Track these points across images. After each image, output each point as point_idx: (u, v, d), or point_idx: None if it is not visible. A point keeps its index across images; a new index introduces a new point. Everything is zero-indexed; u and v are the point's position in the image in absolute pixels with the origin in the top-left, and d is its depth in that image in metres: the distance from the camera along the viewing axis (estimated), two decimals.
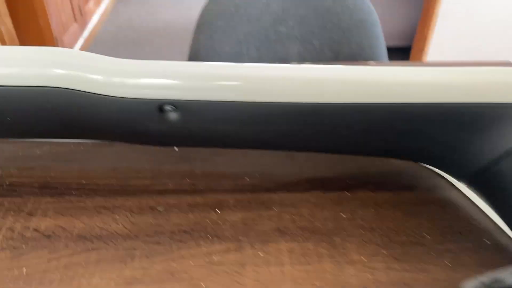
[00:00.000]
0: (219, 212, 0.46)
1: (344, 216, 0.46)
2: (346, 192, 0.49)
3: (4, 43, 1.54)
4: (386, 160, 0.53)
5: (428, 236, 0.44)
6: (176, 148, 0.55)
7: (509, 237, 0.44)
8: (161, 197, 0.48)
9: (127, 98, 0.38)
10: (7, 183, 0.50)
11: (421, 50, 1.97)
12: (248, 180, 0.50)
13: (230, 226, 0.45)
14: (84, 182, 0.50)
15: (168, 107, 0.38)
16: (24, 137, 0.51)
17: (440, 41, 1.94)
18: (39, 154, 0.54)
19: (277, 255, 0.42)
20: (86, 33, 2.42)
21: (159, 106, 0.38)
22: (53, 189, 0.49)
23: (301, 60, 0.95)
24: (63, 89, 0.38)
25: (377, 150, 0.48)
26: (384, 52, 0.96)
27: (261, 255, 0.42)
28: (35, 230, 0.44)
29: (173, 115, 0.39)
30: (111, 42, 2.50)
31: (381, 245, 0.43)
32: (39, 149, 0.55)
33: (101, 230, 0.44)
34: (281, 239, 0.44)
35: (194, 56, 0.91)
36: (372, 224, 0.45)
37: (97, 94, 0.38)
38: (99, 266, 0.41)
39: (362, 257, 0.41)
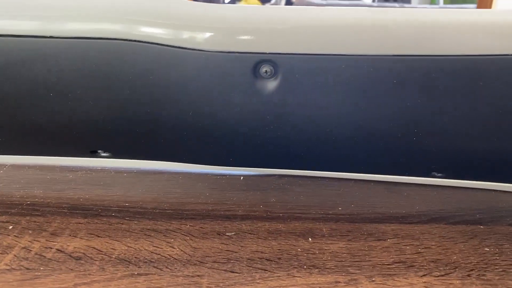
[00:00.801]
0: (311, 240, 0.34)
1: (487, 249, 0.33)
2: (479, 226, 0.36)
3: None
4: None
5: None
6: (241, 177, 0.44)
7: None
8: (229, 222, 0.36)
9: (214, 51, 0.29)
10: (28, 202, 0.38)
11: None
12: (341, 209, 0.38)
13: (332, 257, 0.32)
14: (127, 205, 0.38)
15: (265, 69, 0.29)
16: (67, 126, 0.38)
17: None
18: (71, 178, 0.43)
19: None
20: None
21: (255, 66, 0.29)
22: (86, 210, 0.37)
23: None
24: (127, 41, 0.30)
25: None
26: None
27: None
28: (59, 251, 0.32)
29: (269, 83, 0.29)
30: None
31: None
32: (72, 174, 0.44)
33: (151, 254, 0.31)
34: (411, 273, 0.30)
35: None
36: None
37: (176, 47, 0.29)
38: None
39: None
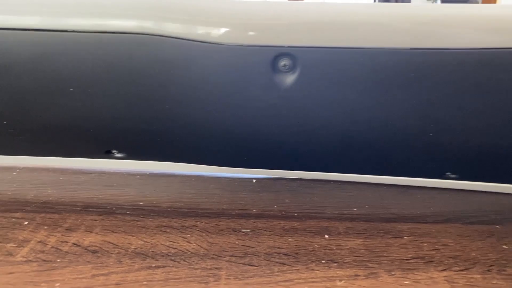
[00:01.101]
0: (328, 237, 0.33)
1: (506, 247, 0.33)
2: (496, 226, 0.36)
3: None
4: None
5: None
6: (253, 180, 0.44)
7: None
8: (245, 220, 0.36)
9: (233, 45, 0.29)
10: (42, 201, 0.38)
11: None
12: (356, 210, 0.38)
13: (350, 253, 0.31)
14: (141, 204, 0.38)
15: (283, 62, 0.29)
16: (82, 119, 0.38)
17: None
18: (84, 179, 0.43)
19: (430, 284, 0.28)
20: None
21: (274, 59, 0.29)
22: (101, 209, 0.37)
23: None
24: (147, 35, 0.30)
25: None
26: None
27: (408, 283, 0.28)
28: (76, 244, 0.31)
29: (288, 77, 0.30)
30: None
31: None
32: (85, 175, 0.44)
33: (167, 248, 0.31)
34: (431, 268, 0.30)
35: None
36: None
37: (194, 40, 0.29)
38: (168, 285, 0.27)
39: None
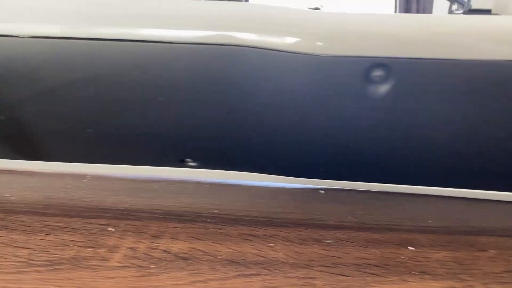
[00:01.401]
0: (413, 249, 0.33)
1: None
2: None
3: None
4: None
5: None
6: (322, 191, 0.44)
7: None
8: (324, 231, 0.36)
9: (327, 56, 0.30)
10: (121, 208, 0.39)
11: None
12: (433, 222, 0.38)
13: (440, 265, 0.31)
14: (218, 212, 0.39)
15: (377, 73, 0.30)
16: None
17: None
18: (157, 188, 0.44)
19: None
20: None
21: (367, 70, 0.30)
22: (180, 216, 0.37)
23: None
24: (241, 47, 0.31)
25: None
26: None
27: None
28: (165, 251, 0.32)
29: (380, 88, 0.30)
30: None
31: None
32: (156, 184, 0.45)
33: (256, 257, 0.31)
34: None
35: None
36: None
37: (288, 52, 0.30)
38: None
39: None
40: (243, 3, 0.32)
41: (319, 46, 0.30)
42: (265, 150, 0.39)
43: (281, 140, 0.37)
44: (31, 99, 0.35)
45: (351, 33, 0.30)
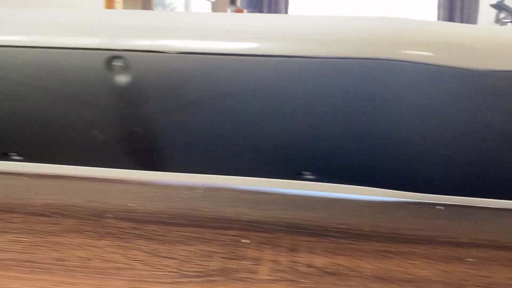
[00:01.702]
0: None
1: None
2: None
3: None
4: None
5: None
6: (441, 207, 0.43)
7: None
8: (460, 249, 0.35)
9: (483, 70, 0.29)
10: (244, 219, 0.39)
11: None
12: None
13: None
14: (344, 227, 0.38)
15: None
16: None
17: None
18: (269, 200, 0.44)
19: None
20: None
21: None
22: (307, 230, 0.38)
23: None
24: (389, 61, 0.31)
25: None
26: None
27: None
28: (309, 266, 0.32)
29: None
30: None
31: None
32: (266, 195, 0.45)
33: (403, 274, 0.31)
34: None
35: None
36: None
37: (441, 66, 0.30)
38: None
39: None
40: (392, 17, 0.32)
41: (477, 60, 0.29)
42: (388, 166, 0.38)
43: (409, 156, 0.36)
44: (169, 113, 0.36)
45: (507, 47, 0.30)
